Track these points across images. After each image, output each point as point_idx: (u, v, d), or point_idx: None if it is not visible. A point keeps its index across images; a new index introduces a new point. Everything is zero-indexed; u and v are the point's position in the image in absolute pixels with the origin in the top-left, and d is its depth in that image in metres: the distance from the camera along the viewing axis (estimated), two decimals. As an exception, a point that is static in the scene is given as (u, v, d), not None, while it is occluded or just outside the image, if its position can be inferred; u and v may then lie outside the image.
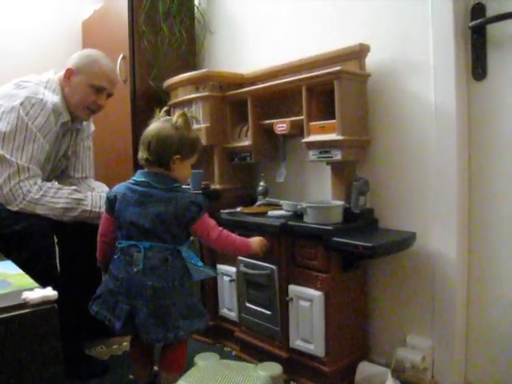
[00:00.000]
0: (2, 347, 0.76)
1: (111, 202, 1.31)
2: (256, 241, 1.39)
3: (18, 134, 1.42)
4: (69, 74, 1.56)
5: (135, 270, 1.22)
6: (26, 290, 0.84)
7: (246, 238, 1.39)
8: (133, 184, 1.30)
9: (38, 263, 1.30)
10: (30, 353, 0.79)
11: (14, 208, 1.40)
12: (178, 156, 1.28)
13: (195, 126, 1.84)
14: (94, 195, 1.54)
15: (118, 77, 1.74)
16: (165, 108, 1.38)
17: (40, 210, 1.42)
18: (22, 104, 1.43)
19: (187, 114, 1.33)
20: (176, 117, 1.30)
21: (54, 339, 0.81)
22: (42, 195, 1.43)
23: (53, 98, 1.51)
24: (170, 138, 1.27)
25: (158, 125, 1.29)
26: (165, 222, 1.24)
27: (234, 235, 1.36)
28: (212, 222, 1.32)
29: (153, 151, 1.27)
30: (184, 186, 1.41)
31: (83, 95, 1.56)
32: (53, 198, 1.45)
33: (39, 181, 1.46)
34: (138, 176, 1.31)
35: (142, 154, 1.29)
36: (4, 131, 1.41)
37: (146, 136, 1.29)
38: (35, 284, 0.93)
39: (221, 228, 1.33)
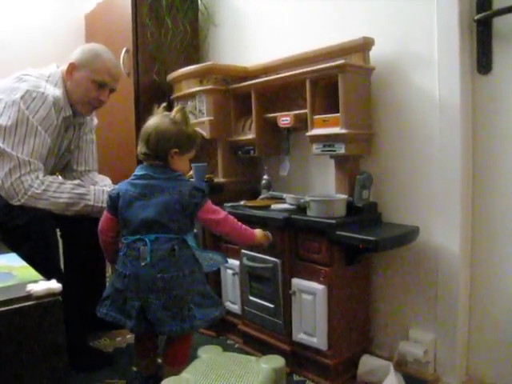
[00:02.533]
0: (7, 339, 0.76)
1: (113, 200, 1.30)
2: (260, 232, 1.40)
3: (19, 127, 1.40)
4: (71, 68, 1.54)
5: (143, 263, 1.21)
6: (30, 282, 0.85)
7: (250, 228, 1.39)
8: (134, 179, 1.30)
9: (41, 256, 1.30)
10: (35, 345, 0.79)
11: (15, 203, 1.40)
12: (176, 150, 1.28)
13: (195, 121, 1.84)
14: (97, 189, 1.53)
15: (121, 72, 1.72)
16: (163, 104, 1.38)
17: (42, 205, 1.42)
18: (22, 97, 1.41)
19: (186, 108, 1.33)
20: (174, 112, 1.31)
21: (58, 331, 0.81)
22: (44, 190, 1.42)
23: (54, 91, 1.50)
24: (168, 133, 1.27)
25: (156, 120, 1.30)
26: (170, 210, 1.24)
27: (238, 222, 1.36)
28: (215, 206, 1.33)
29: (151, 146, 1.27)
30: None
31: (85, 90, 1.55)
32: (55, 192, 1.44)
33: (41, 175, 1.44)
34: (138, 170, 1.31)
35: (141, 149, 1.30)
36: (5, 125, 1.40)
37: (145, 131, 1.29)
38: (39, 276, 0.93)
39: (226, 212, 1.34)
